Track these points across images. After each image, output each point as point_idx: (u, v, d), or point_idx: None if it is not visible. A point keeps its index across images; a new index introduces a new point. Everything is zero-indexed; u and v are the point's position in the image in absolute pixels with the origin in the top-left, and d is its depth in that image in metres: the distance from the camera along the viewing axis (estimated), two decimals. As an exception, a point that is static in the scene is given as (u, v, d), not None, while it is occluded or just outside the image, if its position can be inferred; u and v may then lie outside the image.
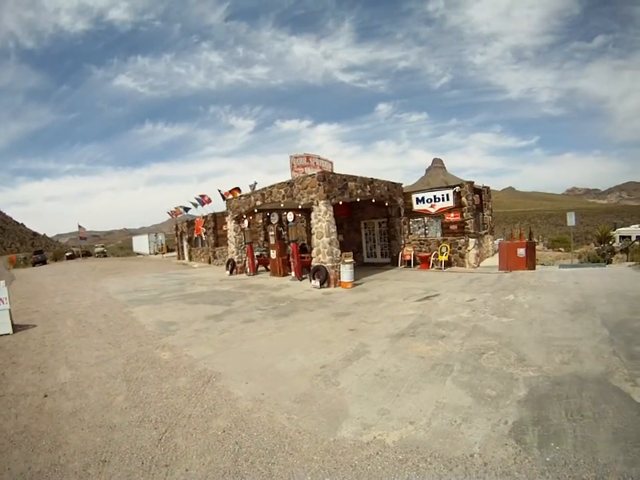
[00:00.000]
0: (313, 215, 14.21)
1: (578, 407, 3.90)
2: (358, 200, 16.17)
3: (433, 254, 16.57)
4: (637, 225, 35.29)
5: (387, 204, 17.85)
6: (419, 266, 16.88)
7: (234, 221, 19.98)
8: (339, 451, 3.50)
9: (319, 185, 13.80)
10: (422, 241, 17.61)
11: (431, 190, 17.99)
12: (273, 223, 17.12)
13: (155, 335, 8.22)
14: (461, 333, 6.76)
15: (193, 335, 8.08)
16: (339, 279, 13.19)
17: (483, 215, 19.41)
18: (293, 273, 15.74)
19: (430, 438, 3.57)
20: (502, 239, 22.66)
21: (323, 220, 13.76)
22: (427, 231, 17.90)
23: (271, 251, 17.53)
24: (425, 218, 17.87)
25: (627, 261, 17.18)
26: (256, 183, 19.88)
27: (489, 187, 20.79)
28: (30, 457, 3.84)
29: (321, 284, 13.12)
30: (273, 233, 17.20)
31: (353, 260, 13.10)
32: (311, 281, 13.74)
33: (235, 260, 19.76)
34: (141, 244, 55.03)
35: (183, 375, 5.71)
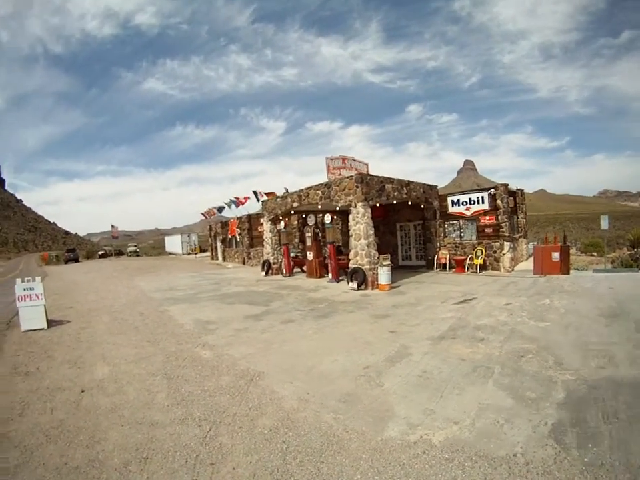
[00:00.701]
0: (350, 216, 14.36)
1: (614, 410, 4.07)
2: (394, 202, 16.28)
3: (468, 257, 16.62)
4: None
5: (422, 206, 17.95)
6: (454, 269, 16.98)
7: (270, 222, 20.30)
8: (386, 450, 3.61)
9: (357, 186, 13.99)
10: (457, 244, 17.68)
11: (466, 192, 18.06)
12: (310, 224, 17.35)
13: (194, 334, 8.30)
14: (499, 337, 6.94)
15: (232, 334, 8.15)
16: (377, 281, 13.32)
17: (517, 218, 19.28)
18: (330, 275, 15.94)
19: (474, 438, 3.74)
20: (535, 243, 22.42)
21: (361, 222, 13.90)
22: (462, 234, 17.96)
23: (307, 252, 17.77)
24: (460, 221, 17.94)
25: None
26: (287, 190, 20.33)
27: (522, 190, 20.63)
28: (66, 452, 3.84)
29: (359, 286, 13.27)
30: (309, 234, 17.39)
31: (390, 262, 13.27)
32: (348, 282, 13.87)
33: (271, 261, 20.08)
34: (173, 244, 55.81)
35: (226, 374, 5.77)
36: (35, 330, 9.18)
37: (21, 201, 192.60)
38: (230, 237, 32.00)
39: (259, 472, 3.41)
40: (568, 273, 14.55)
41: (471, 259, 16.50)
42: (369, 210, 14.15)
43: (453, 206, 17.99)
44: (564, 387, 4.72)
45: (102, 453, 3.82)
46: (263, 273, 19.96)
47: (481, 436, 3.78)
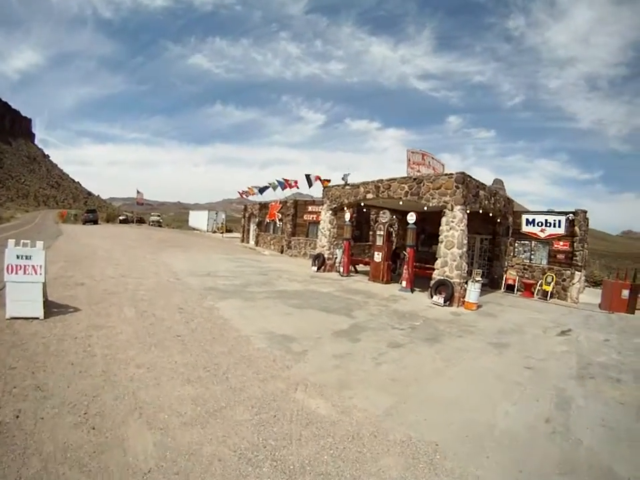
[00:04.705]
0: (443, 220, 13.91)
1: None
2: (479, 212, 16.20)
3: (539, 282, 17.28)
4: None
5: (498, 220, 18.19)
6: (519, 292, 17.61)
7: (330, 212, 19.93)
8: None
9: (457, 187, 13.59)
10: (526, 266, 18.24)
11: (542, 213, 18.53)
12: (384, 221, 17.01)
13: (276, 360, 6.36)
14: (629, 376, 7.61)
15: (335, 364, 6.48)
16: (463, 297, 13.17)
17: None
18: (403, 283, 15.54)
19: None
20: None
21: (456, 228, 13.44)
22: (532, 256, 18.50)
23: (376, 252, 17.35)
24: (532, 242, 18.49)
25: None
26: (347, 175, 19.91)
27: (588, 219, 21.86)
28: None
29: (445, 301, 13.06)
30: (381, 232, 17.06)
31: (482, 279, 13.21)
32: (431, 295, 13.59)
33: (326, 256, 19.87)
34: (198, 219, 58.12)
35: (384, 454, 4.02)
36: (25, 319, 6.98)
37: (48, 156, 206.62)
38: (268, 220, 31.29)
39: None
40: (634, 313, 15.37)
41: (541, 285, 17.20)
42: (466, 216, 13.70)
43: (527, 225, 18.55)
44: None
45: None
46: (314, 268, 19.59)
47: None
